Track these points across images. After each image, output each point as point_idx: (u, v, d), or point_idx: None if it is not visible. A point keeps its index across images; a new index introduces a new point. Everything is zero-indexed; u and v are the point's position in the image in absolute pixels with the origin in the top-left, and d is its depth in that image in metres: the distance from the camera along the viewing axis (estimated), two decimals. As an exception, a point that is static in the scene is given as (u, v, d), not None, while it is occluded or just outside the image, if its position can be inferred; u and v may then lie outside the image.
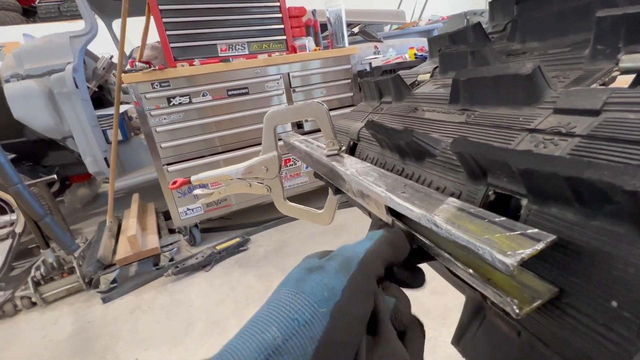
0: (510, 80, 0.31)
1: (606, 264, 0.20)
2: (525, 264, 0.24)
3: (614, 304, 0.19)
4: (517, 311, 0.21)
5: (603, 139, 0.23)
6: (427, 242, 0.29)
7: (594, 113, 0.25)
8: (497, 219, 0.24)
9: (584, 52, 0.34)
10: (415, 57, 2.61)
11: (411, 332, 0.28)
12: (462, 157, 0.29)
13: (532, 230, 0.21)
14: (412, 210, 0.29)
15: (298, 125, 2.30)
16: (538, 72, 0.29)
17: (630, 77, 0.28)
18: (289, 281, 0.25)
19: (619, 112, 0.24)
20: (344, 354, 0.21)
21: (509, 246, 0.20)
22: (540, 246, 0.20)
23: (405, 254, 0.29)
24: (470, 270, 0.25)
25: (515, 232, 0.22)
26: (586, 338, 0.21)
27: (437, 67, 0.56)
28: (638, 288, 0.18)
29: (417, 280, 0.32)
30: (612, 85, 0.30)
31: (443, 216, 0.26)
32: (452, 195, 0.32)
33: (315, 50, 2.34)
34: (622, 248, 0.19)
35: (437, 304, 1.46)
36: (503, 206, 0.28)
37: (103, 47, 2.96)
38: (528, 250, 0.20)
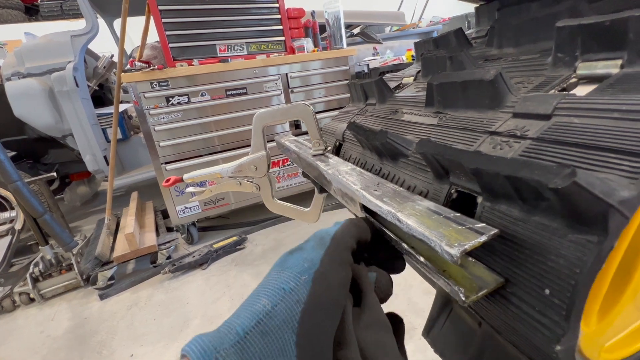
0: (476, 85, 0.33)
1: (542, 255, 0.21)
2: (478, 256, 0.26)
3: (547, 291, 0.21)
4: (464, 299, 0.23)
5: (550, 142, 0.25)
6: (393, 236, 0.31)
7: (546, 117, 0.27)
8: (451, 215, 0.26)
9: (549, 59, 0.35)
10: (413, 59, 2.63)
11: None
12: (426, 158, 0.30)
13: (479, 225, 0.23)
14: (381, 207, 0.31)
15: (295, 126, 2.33)
16: (500, 78, 0.31)
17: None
18: (273, 267, 0.28)
19: (567, 117, 0.26)
20: (328, 314, 0.24)
21: (456, 239, 0.22)
22: (482, 239, 0.22)
23: (368, 235, 0.32)
24: (425, 261, 0.27)
25: (465, 227, 0.24)
26: (526, 324, 0.23)
27: (420, 70, 0.58)
28: (566, 277, 0.20)
29: (397, 264, 0.34)
30: (578, 92, 0.32)
31: (406, 212, 0.28)
32: (420, 193, 0.34)
33: (314, 51, 2.36)
34: (554, 241, 0.21)
35: (429, 304, 1.48)
36: (465, 204, 0.30)
37: (104, 46, 2.99)
38: (471, 242, 0.21)
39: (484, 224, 0.23)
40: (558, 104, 0.27)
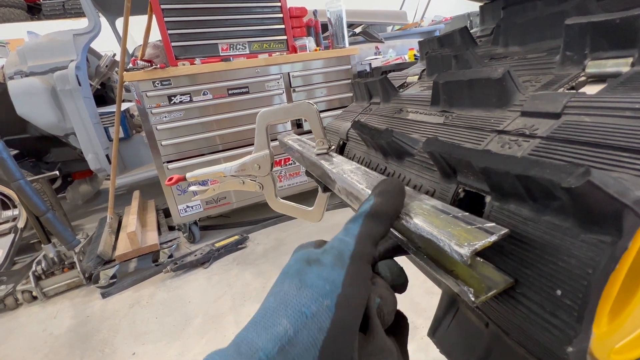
0: (483, 83, 0.33)
1: (554, 256, 0.21)
2: (487, 256, 0.26)
3: (559, 292, 0.21)
4: (473, 299, 0.23)
5: (560, 141, 0.25)
6: (400, 236, 0.31)
7: (555, 116, 0.27)
8: (460, 214, 0.25)
9: (557, 57, 0.35)
10: (415, 58, 2.62)
11: (395, 324, 0.30)
12: (434, 157, 0.30)
13: (489, 224, 0.23)
14: (387, 206, 0.30)
15: (297, 125, 2.32)
16: (508, 77, 0.31)
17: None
18: (289, 271, 0.26)
19: (577, 116, 0.25)
20: (349, 340, 0.23)
21: (466, 238, 0.22)
22: (492, 238, 0.21)
23: (401, 204, 0.29)
24: (434, 261, 0.26)
25: (474, 226, 0.23)
26: (536, 325, 0.22)
27: (425, 69, 0.58)
28: (578, 278, 0.20)
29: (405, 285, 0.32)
30: (587, 91, 0.31)
31: (413, 212, 0.28)
32: (426, 192, 0.34)
33: (316, 50, 2.35)
34: (566, 241, 0.21)
35: (431, 304, 1.48)
36: (472, 203, 0.30)
37: (106, 45, 3.00)
38: (481, 242, 0.21)
39: (493, 224, 0.23)
40: (568, 102, 0.26)
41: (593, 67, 0.30)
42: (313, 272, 0.25)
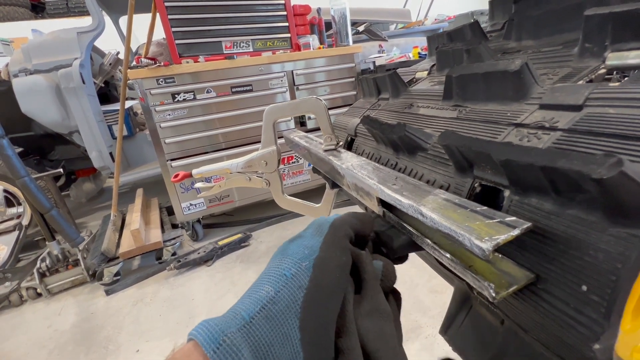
0: (500, 76, 0.32)
1: (579, 250, 0.21)
2: (506, 252, 0.25)
3: (584, 288, 0.20)
4: (494, 295, 0.22)
5: (583, 133, 0.24)
6: (414, 232, 0.30)
7: (577, 108, 0.26)
8: (478, 209, 0.25)
9: (574, 50, 0.34)
10: (419, 56, 2.61)
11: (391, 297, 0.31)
12: (450, 150, 0.30)
13: (510, 218, 0.22)
14: (401, 201, 0.30)
15: (301, 123, 2.32)
16: (525, 69, 0.30)
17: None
18: (275, 255, 0.28)
19: (600, 107, 0.25)
20: (330, 298, 0.24)
21: (487, 233, 0.21)
22: (515, 232, 0.21)
23: (371, 228, 0.32)
24: (452, 257, 0.26)
25: (494, 220, 0.23)
26: (559, 322, 0.22)
27: (434, 64, 0.57)
28: (606, 273, 0.19)
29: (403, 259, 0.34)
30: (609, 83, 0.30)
31: (429, 206, 0.27)
32: (441, 187, 0.33)
33: (319, 48, 2.34)
34: (593, 235, 0.20)
35: (436, 302, 1.47)
36: (488, 198, 0.29)
37: (110, 43, 3.00)
38: (503, 236, 0.21)
39: (514, 218, 0.22)
40: (590, 94, 0.26)
41: (614, 59, 0.29)
42: (294, 244, 0.28)
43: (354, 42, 2.65)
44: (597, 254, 0.19)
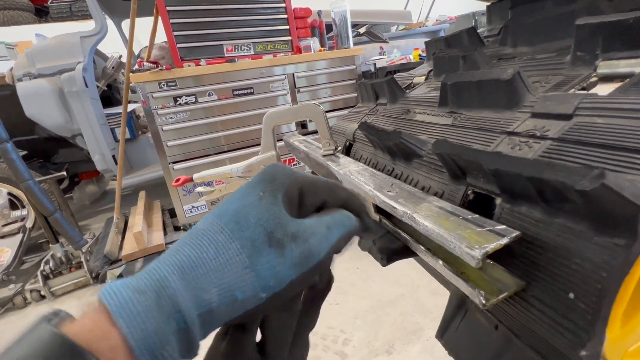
0: (493, 84, 0.33)
1: (566, 258, 0.21)
2: (498, 259, 0.26)
3: (571, 295, 0.20)
4: (484, 302, 0.23)
5: (572, 142, 0.25)
6: (408, 238, 0.31)
7: (567, 117, 0.26)
8: (470, 216, 0.25)
9: (567, 57, 0.35)
10: (420, 58, 2.61)
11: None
12: (443, 158, 0.30)
13: (499, 227, 0.23)
14: (396, 207, 0.30)
15: (302, 125, 2.32)
16: (517, 78, 0.31)
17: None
18: (247, 225, 0.24)
19: (589, 117, 0.25)
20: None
21: (477, 241, 0.22)
22: (504, 241, 0.21)
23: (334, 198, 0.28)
24: (444, 264, 0.26)
25: (485, 228, 0.23)
26: (548, 328, 0.22)
27: (432, 69, 0.58)
28: (591, 281, 0.19)
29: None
30: (599, 91, 0.31)
31: (423, 213, 0.28)
32: (435, 194, 0.34)
33: (320, 50, 2.35)
34: (579, 244, 0.20)
35: (437, 305, 1.47)
36: (481, 205, 0.30)
37: (112, 46, 3.02)
38: (492, 245, 0.21)
39: (504, 226, 0.23)
40: (580, 103, 0.26)
41: (605, 67, 0.30)
42: (268, 257, 0.23)
43: (355, 44, 2.66)
44: (584, 262, 0.20)
